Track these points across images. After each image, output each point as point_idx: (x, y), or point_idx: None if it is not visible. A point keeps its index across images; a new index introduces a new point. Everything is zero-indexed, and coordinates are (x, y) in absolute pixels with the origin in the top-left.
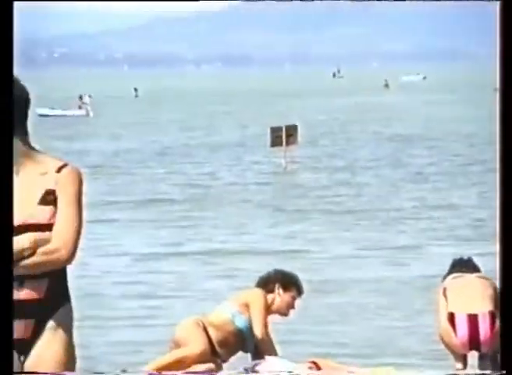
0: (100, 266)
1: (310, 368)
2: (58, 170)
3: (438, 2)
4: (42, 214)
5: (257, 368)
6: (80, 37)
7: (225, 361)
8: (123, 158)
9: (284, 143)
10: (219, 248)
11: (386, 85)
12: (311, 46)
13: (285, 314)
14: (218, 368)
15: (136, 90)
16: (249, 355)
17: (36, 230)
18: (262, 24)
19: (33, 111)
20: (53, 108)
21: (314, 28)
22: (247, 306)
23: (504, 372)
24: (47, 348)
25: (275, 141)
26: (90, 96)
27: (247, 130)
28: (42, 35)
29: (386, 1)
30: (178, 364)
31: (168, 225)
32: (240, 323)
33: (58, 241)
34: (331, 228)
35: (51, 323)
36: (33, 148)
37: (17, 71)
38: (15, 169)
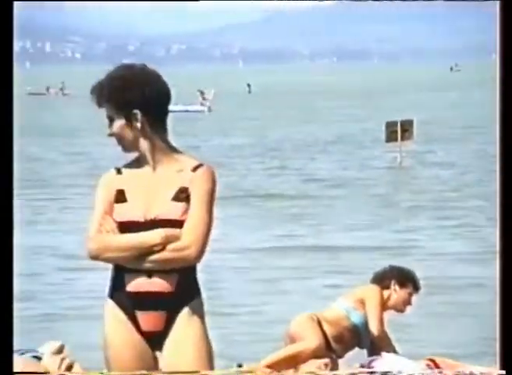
0: (213, 261)
1: (427, 365)
2: (194, 169)
3: None
4: (174, 210)
5: (372, 364)
6: (197, 34)
7: (340, 357)
8: (237, 153)
9: (399, 138)
10: (333, 244)
11: None
12: (427, 39)
13: (401, 310)
14: (334, 364)
15: (249, 85)
16: (365, 352)
17: (167, 226)
18: (379, 17)
19: None
20: (176, 104)
21: (429, 21)
22: (362, 302)
23: (504, 372)
24: (179, 342)
25: (390, 136)
26: (212, 92)
27: (362, 125)
28: (160, 32)
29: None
30: (293, 359)
31: (282, 220)
32: (356, 318)
33: (188, 238)
34: (444, 224)
35: (182, 316)
36: (171, 146)
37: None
38: (151, 165)
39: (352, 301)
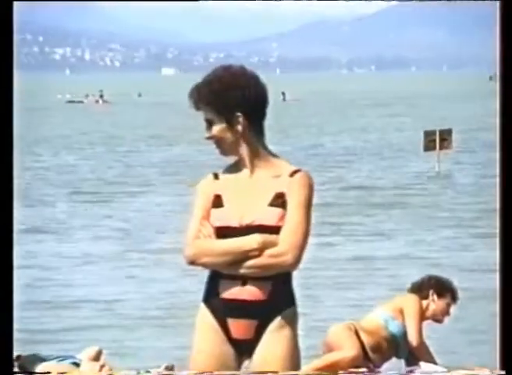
0: None
1: None
2: (292, 175)
3: None
4: (271, 216)
5: (411, 374)
6: (236, 43)
7: (378, 366)
8: None
9: (438, 147)
10: (373, 255)
11: None
12: (467, 47)
13: (440, 320)
14: (372, 373)
15: (283, 94)
16: (403, 362)
17: (263, 232)
18: (417, 25)
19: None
20: None
21: (469, 29)
22: (400, 312)
23: (504, 372)
24: (269, 351)
25: (429, 146)
26: None
27: (401, 134)
28: (201, 41)
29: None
30: (331, 368)
31: (325, 228)
32: (394, 328)
33: (285, 244)
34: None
35: (274, 325)
36: (268, 150)
37: (175, 74)
38: (249, 169)
39: (390, 310)
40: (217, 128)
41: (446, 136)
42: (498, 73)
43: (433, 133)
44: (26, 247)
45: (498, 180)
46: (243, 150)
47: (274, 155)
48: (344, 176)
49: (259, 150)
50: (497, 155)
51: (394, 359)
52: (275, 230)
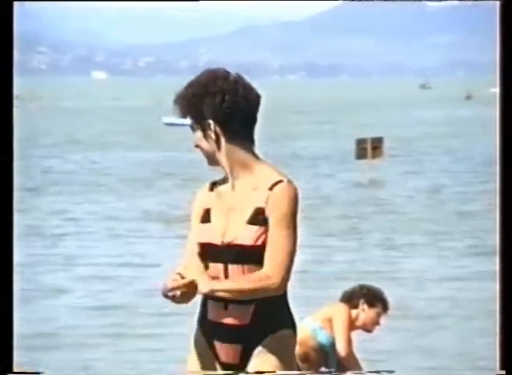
0: None
1: None
2: (271, 187)
3: None
4: (249, 235)
5: None
6: (165, 46)
7: None
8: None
9: (370, 155)
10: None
11: (468, 97)
12: (400, 55)
13: (369, 330)
14: None
15: None
16: (332, 371)
17: (244, 251)
18: (349, 32)
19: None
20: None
21: (402, 36)
22: (329, 321)
23: (504, 372)
24: None
25: (361, 153)
26: None
27: (332, 142)
28: (129, 43)
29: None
30: None
31: None
32: (322, 338)
33: (268, 267)
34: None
35: (259, 350)
36: (252, 158)
37: (107, 78)
38: (231, 181)
39: (319, 320)
40: (196, 136)
41: (377, 144)
42: (429, 81)
43: (365, 141)
44: None
45: (498, 186)
46: (222, 159)
47: (261, 164)
48: None
49: (240, 159)
50: (497, 158)
51: (323, 369)
52: (255, 249)
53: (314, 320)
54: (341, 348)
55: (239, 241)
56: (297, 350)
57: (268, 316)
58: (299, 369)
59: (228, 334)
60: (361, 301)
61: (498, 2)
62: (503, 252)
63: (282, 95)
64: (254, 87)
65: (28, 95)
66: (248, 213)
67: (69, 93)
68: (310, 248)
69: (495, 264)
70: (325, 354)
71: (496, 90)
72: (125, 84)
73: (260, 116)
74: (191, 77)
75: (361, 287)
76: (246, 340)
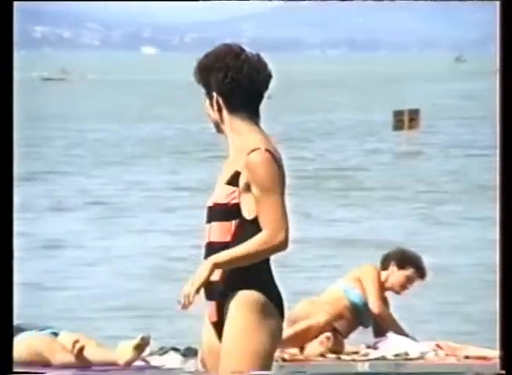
0: None
1: (433, 349)
2: (249, 154)
3: None
4: (223, 194)
5: (378, 345)
6: (208, 24)
7: (344, 337)
8: None
9: (406, 127)
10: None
11: (497, 71)
12: (436, 30)
13: (397, 292)
14: (339, 344)
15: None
16: (371, 332)
17: (218, 209)
18: (387, 9)
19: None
20: None
21: (437, 12)
22: (360, 281)
23: (504, 372)
24: (225, 337)
25: (398, 125)
26: None
27: (370, 113)
28: (175, 21)
29: None
30: (302, 336)
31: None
32: (354, 297)
33: (268, 229)
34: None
35: (227, 308)
36: (250, 128)
37: (156, 53)
38: (231, 149)
39: (350, 280)
40: (205, 104)
41: (414, 116)
42: (463, 55)
43: (402, 113)
44: None
45: (498, 180)
46: (226, 129)
47: (253, 133)
48: (304, 156)
49: (239, 130)
50: (497, 152)
51: (362, 329)
52: (230, 207)
53: (345, 281)
54: (374, 307)
55: (217, 201)
56: (331, 310)
57: (237, 274)
58: (335, 329)
59: (207, 292)
60: (392, 262)
61: (498, 2)
62: (503, 253)
63: (321, 69)
64: (266, 67)
65: (80, 70)
66: (228, 175)
67: (120, 67)
68: (352, 213)
69: None
70: (358, 312)
71: None
72: (172, 59)
73: (299, 88)
74: None
75: (397, 250)
76: (217, 296)
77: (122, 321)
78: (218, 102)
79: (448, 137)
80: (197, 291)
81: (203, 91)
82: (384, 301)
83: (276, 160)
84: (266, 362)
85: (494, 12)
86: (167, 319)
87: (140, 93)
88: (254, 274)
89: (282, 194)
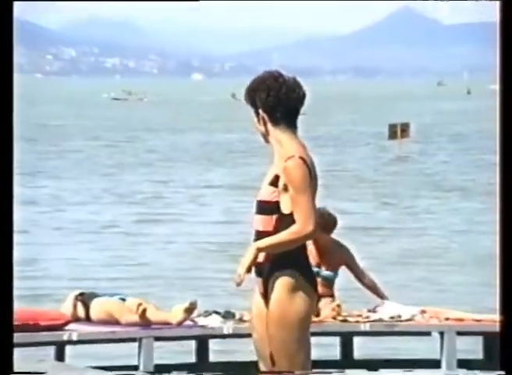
0: None
1: (420, 312)
2: (286, 160)
3: None
4: (266, 192)
5: (377, 309)
6: (243, 54)
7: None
8: None
9: (399, 136)
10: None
11: (468, 92)
12: (424, 61)
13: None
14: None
15: (233, 95)
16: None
17: (263, 206)
18: (386, 43)
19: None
20: None
21: (425, 46)
22: (321, 257)
23: (504, 373)
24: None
25: (392, 135)
26: (234, 94)
27: (370, 126)
28: (217, 52)
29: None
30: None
31: None
32: (324, 273)
33: (299, 222)
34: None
35: (272, 281)
36: (290, 138)
37: (203, 79)
38: (275, 156)
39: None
40: (254, 121)
41: (405, 127)
42: (444, 80)
43: (395, 125)
44: None
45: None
46: (270, 139)
47: (293, 143)
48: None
49: (281, 139)
50: (497, 157)
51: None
52: (270, 204)
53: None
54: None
55: (262, 198)
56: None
57: (280, 257)
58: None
59: (255, 270)
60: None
61: (498, 2)
62: (503, 259)
63: (332, 91)
64: (300, 87)
65: (141, 92)
66: (270, 177)
67: (174, 90)
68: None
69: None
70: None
71: (496, 87)
72: (215, 83)
73: (314, 106)
74: None
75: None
76: (265, 275)
77: (175, 290)
78: (263, 118)
79: (430, 144)
80: (248, 271)
81: (252, 109)
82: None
83: (308, 165)
84: (301, 326)
85: (471, 45)
86: (210, 289)
87: (188, 110)
88: (292, 258)
89: (313, 193)
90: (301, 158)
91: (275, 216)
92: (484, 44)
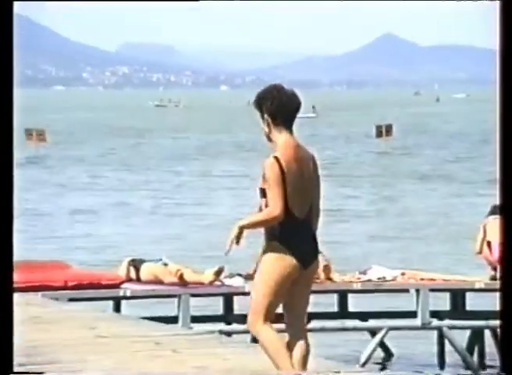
0: None
1: (401, 274)
2: (267, 158)
3: None
4: (260, 182)
5: (367, 272)
6: (260, 70)
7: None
8: None
9: (384, 135)
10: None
11: (437, 99)
12: (404, 76)
13: None
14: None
15: (313, 107)
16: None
17: (260, 192)
18: (373, 61)
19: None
20: None
21: (404, 64)
22: None
23: (504, 374)
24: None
25: (378, 134)
26: (314, 107)
27: (360, 127)
28: (240, 68)
29: None
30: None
31: None
32: None
33: (270, 205)
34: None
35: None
36: (285, 141)
37: (227, 90)
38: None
39: None
40: (261, 124)
41: (389, 128)
42: (420, 90)
43: (381, 126)
44: None
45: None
46: (271, 139)
47: (284, 144)
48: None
49: (278, 141)
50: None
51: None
52: (262, 190)
53: None
54: None
55: (260, 185)
56: None
57: (271, 231)
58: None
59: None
60: None
61: (498, 2)
62: (505, 265)
63: (329, 100)
64: (297, 97)
65: (176, 101)
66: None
67: (205, 99)
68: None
69: None
70: None
71: (460, 96)
72: (237, 94)
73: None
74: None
75: None
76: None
77: (207, 263)
78: (267, 121)
79: (409, 141)
80: (237, 242)
81: (259, 114)
82: None
83: (280, 164)
84: (268, 282)
85: (441, 63)
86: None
87: (216, 116)
88: (280, 232)
89: (282, 186)
90: (275, 157)
91: (264, 200)
92: (451, 62)
